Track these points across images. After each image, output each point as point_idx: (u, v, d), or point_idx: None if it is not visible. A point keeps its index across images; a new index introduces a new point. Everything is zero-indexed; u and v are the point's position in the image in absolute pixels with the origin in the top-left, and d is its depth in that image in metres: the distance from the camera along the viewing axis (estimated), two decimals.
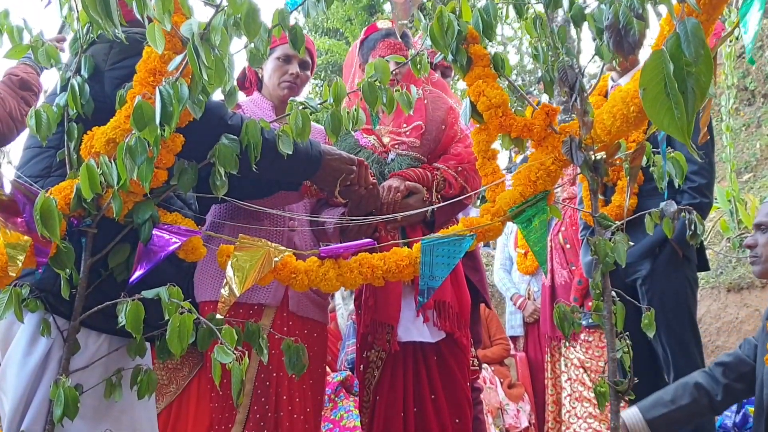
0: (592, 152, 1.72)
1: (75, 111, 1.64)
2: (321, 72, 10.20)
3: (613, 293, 1.74)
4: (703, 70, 0.65)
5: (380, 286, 1.82)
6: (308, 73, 2.37)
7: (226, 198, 1.72)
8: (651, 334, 1.71)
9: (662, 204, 1.83)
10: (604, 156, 1.73)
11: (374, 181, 2.11)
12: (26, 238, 1.36)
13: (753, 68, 6.70)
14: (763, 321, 2.02)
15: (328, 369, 3.58)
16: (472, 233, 1.75)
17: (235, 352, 1.33)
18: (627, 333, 1.70)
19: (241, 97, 2.45)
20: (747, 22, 1.07)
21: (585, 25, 1.70)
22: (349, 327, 3.99)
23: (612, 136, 1.61)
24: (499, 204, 1.77)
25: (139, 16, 1.19)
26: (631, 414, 2.00)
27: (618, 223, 1.74)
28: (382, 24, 2.40)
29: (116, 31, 1.11)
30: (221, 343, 1.35)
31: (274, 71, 2.31)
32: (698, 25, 0.64)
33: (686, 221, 1.85)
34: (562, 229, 3.61)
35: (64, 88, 1.69)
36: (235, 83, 1.53)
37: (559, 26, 1.76)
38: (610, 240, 1.69)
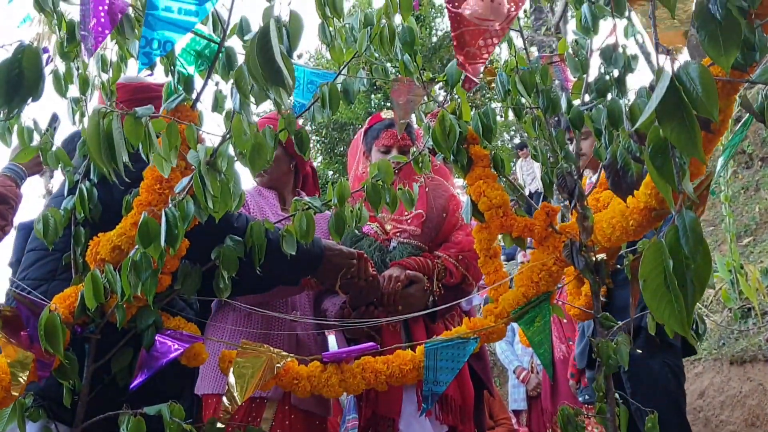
0: (592, 253, 1.73)
1: (82, 215, 1.66)
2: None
3: (617, 395, 1.73)
4: (702, 264, 0.67)
5: None
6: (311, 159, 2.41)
7: (228, 300, 1.73)
8: None
9: None
10: (605, 258, 1.74)
11: (374, 273, 2.12)
12: (29, 354, 1.36)
13: (751, 131, 6.79)
14: None
15: None
16: (476, 335, 1.75)
17: None
18: None
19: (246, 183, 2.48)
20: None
21: None
22: (350, 401, 3.92)
23: (612, 243, 1.63)
24: (502, 305, 1.78)
25: (144, 157, 1.22)
26: None
27: (620, 323, 1.74)
28: (386, 114, 2.45)
29: (119, 173, 1.14)
30: None
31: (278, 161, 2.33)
32: (696, 220, 0.65)
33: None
34: (559, 302, 3.60)
35: (71, 191, 1.71)
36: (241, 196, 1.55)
37: (557, 130, 1.79)
38: (612, 341, 1.69)
